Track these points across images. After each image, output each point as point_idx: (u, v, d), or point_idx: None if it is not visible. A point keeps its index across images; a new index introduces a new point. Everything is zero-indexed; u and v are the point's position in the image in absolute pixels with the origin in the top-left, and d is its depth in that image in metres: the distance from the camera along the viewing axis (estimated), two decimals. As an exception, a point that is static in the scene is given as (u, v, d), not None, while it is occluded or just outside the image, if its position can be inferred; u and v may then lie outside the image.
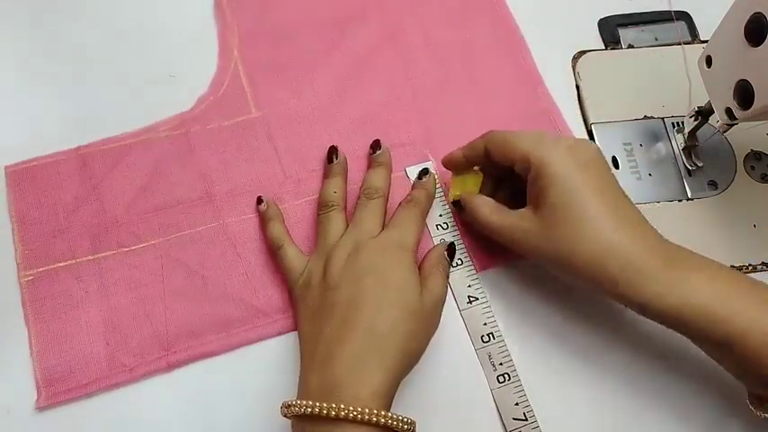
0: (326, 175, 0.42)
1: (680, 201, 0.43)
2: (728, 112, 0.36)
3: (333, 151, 0.42)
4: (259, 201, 0.41)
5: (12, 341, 0.38)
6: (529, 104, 0.46)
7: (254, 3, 0.48)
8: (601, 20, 0.49)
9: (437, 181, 0.42)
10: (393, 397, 0.33)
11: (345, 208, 0.40)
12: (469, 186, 0.41)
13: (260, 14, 0.47)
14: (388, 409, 0.32)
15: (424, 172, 0.41)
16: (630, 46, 0.49)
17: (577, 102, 0.47)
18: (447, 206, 0.42)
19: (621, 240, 0.33)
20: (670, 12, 0.48)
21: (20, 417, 0.37)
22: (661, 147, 0.45)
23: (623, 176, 0.44)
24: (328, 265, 0.36)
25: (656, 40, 0.49)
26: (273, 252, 0.40)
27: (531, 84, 0.46)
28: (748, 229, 0.43)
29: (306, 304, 0.37)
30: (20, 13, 0.47)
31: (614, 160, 0.45)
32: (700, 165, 0.43)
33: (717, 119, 0.38)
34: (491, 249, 0.41)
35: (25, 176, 0.42)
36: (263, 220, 0.41)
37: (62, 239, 0.40)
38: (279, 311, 0.40)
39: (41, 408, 0.37)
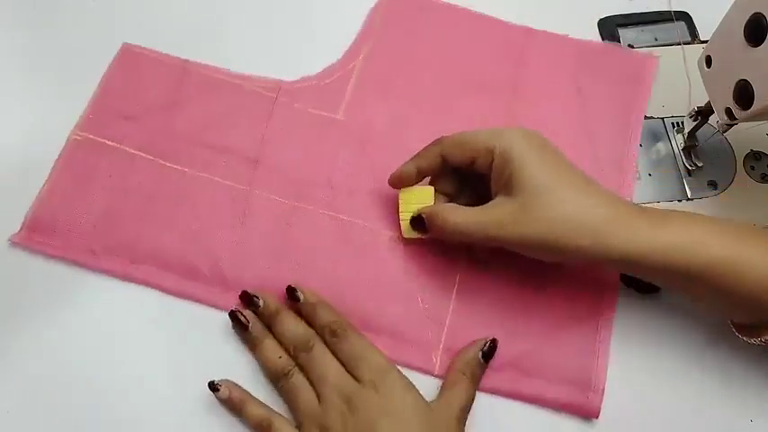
0: (252, 345, 0.38)
1: (680, 201, 0.43)
2: (728, 112, 0.36)
3: (236, 316, 0.37)
4: (214, 388, 0.36)
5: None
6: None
7: (404, 27, 0.48)
8: (601, 20, 0.49)
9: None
10: None
11: (300, 365, 0.37)
12: (425, 200, 0.39)
13: (403, 39, 0.47)
14: None
15: (292, 291, 0.38)
16: (630, 46, 0.49)
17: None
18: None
19: (597, 201, 0.34)
20: (670, 12, 0.48)
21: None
22: (661, 147, 0.45)
23: (623, 176, 0.44)
24: (328, 431, 0.34)
25: (656, 40, 0.49)
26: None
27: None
28: (748, 229, 0.43)
29: None
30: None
31: (614, 160, 0.45)
32: (699, 165, 0.43)
33: (717, 119, 0.38)
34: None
35: (132, 58, 0.46)
36: (235, 407, 0.36)
37: (122, 125, 0.43)
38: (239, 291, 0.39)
39: (13, 243, 0.40)
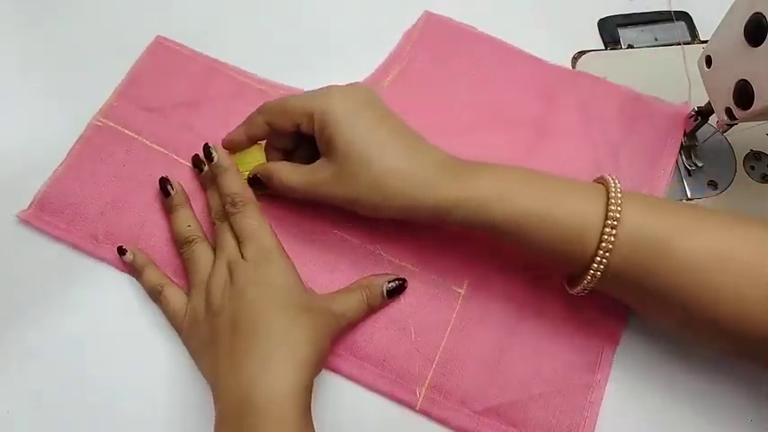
0: (169, 211, 0.40)
1: (680, 201, 0.43)
2: (728, 112, 0.37)
3: (165, 183, 0.40)
4: (122, 251, 0.39)
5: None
6: None
7: (438, 52, 0.47)
8: (601, 20, 0.49)
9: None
10: (311, 392, 0.33)
11: (206, 236, 0.40)
12: (257, 159, 0.40)
13: (435, 64, 0.47)
14: (308, 406, 0.32)
15: (207, 149, 0.40)
16: (630, 46, 0.49)
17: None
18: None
19: (410, 164, 0.35)
20: (670, 12, 0.48)
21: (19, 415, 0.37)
22: (661, 147, 0.45)
23: (623, 176, 0.44)
24: (209, 295, 0.36)
25: (656, 40, 0.49)
26: (155, 298, 0.39)
27: None
28: (748, 229, 0.43)
29: (196, 340, 0.37)
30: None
31: (614, 160, 0.45)
32: (700, 165, 0.43)
33: (717, 119, 0.38)
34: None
35: (163, 52, 0.46)
36: (135, 271, 0.39)
37: (143, 117, 0.43)
38: None
39: (21, 219, 0.40)
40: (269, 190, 0.39)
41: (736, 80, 0.35)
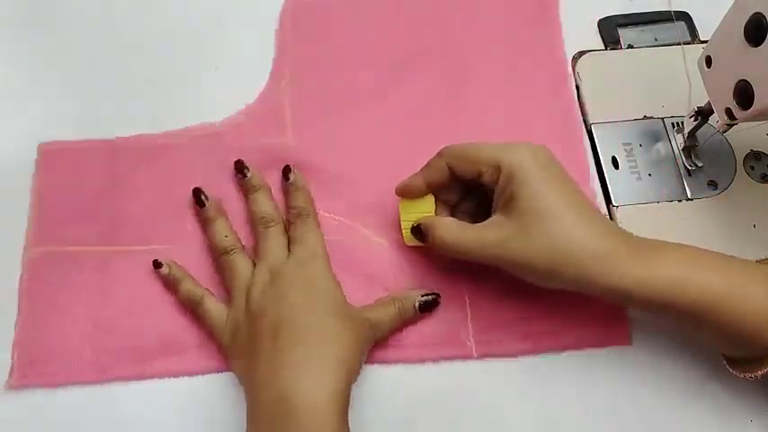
0: (205, 222, 0.40)
1: (680, 201, 0.43)
2: (728, 112, 0.36)
3: (199, 193, 0.40)
4: (157, 265, 0.39)
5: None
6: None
7: (315, 31, 0.47)
8: (601, 20, 0.49)
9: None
10: (349, 397, 0.33)
11: (243, 247, 0.39)
12: (426, 209, 0.39)
13: (319, 44, 0.47)
14: (345, 412, 0.32)
15: (288, 170, 0.41)
16: (630, 46, 0.48)
17: (577, 102, 0.47)
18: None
19: (590, 233, 0.34)
20: (670, 12, 0.48)
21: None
22: (661, 147, 0.45)
23: (623, 176, 0.44)
24: (250, 298, 0.36)
25: (656, 40, 0.49)
26: (193, 310, 0.38)
27: (572, 151, 0.44)
28: (748, 229, 0.43)
29: (236, 347, 0.36)
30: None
31: (614, 160, 0.45)
32: (699, 165, 0.43)
33: (717, 119, 0.38)
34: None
35: (56, 157, 0.42)
36: (171, 283, 0.39)
37: (75, 225, 0.40)
38: None
39: (12, 387, 0.37)
40: (426, 243, 0.38)
41: (736, 80, 0.35)
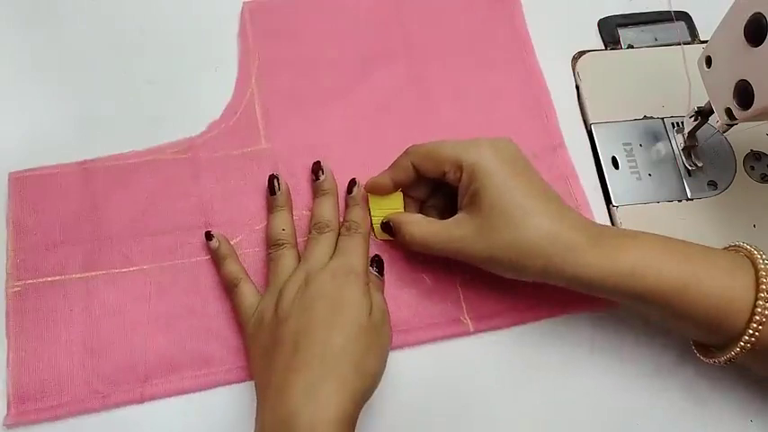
0: (271, 209, 0.40)
1: (680, 201, 0.43)
2: (728, 112, 0.36)
3: (273, 179, 0.40)
4: (209, 236, 0.39)
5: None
6: (549, 168, 0.44)
7: (279, 32, 0.47)
8: (601, 20, 0.49)
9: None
10: (355, 422, 0.32)
11: (296, 244, 0.40)
12: (394, 206, 0.40)
13: (284, 45, 0.46)
14: None
15: (353, 183, 0.41)
16: (630, 46, 0.49)
17: (577, 102, 0.47)
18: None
19: (556, 225, 0.34)
20: (670, 12, 0.48)
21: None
22: (661, 147, 0.45)
23: (623, 177, 0.44)
24: (280, 300, 0.36)
25: (656, 40, 0.49)
26: (229, 290, 0.39)
27: (551, 146, 0.45)
28: (748, 229, 0.43)
29: (257, 343, 0.36)
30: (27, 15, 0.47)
31: (614, 160, 0.45)
32: (699, 165, 0.43)
33: (717, 119, 0.38)
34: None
35: (28, 184, 0.41)
36: (217, 259, 0.39)
37: (55, 253, 0.40)
38: None
39: (9, 425, 0.36)
40: (396, 238, 0.39)
41: (737, 80, 0.35)
